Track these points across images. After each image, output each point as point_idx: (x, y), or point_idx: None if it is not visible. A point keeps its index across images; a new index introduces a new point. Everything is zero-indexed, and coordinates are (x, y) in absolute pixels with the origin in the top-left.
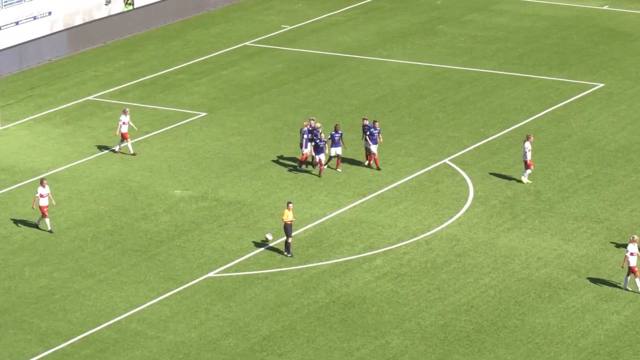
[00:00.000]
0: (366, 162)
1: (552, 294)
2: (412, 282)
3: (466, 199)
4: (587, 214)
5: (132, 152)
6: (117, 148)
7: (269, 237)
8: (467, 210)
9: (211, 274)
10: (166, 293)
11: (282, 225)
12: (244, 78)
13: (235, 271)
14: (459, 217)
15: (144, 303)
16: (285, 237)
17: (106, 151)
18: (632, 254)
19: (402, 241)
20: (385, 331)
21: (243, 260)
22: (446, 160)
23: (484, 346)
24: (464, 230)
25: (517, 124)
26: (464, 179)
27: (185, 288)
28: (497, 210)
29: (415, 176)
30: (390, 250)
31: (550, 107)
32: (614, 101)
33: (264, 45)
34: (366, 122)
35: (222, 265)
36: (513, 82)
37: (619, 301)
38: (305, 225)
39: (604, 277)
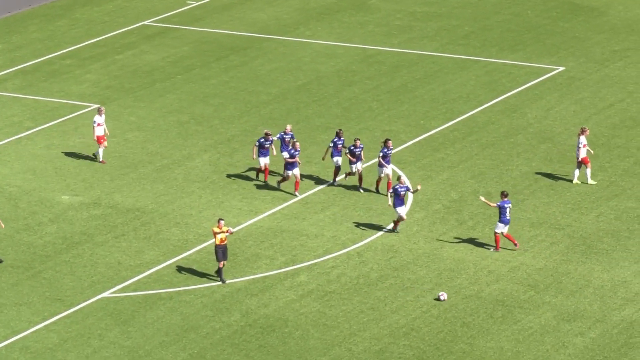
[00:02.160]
0: (373, 187)
1: (506, 313)
2: (342, 301)
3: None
4: (546, 220)
5: (100, 160)
6: (100, 157)
7: (443, 297)
8: (407, 216)
9: (106, 294)
10: (53, 317)
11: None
12: (142, 63)
13: (134, 290)
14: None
15: (27, 329)
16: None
17: None
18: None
19: (330, 253)
20: (311, 359)
21: (143, 278)
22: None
23: None
24: (403, 240)
25: (463, 114)
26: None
27: (76, 311)
28: (441, 216)
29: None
30: (316, 264)
31: (501, 94)
32: (576, 87)
33: (166, 25)
34: (341, 134)
35: (118, 284)
36: (458, 66)
37: (583, 321)
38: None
39: (566, 293)
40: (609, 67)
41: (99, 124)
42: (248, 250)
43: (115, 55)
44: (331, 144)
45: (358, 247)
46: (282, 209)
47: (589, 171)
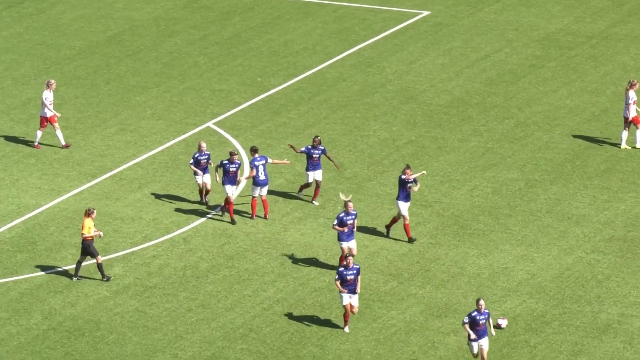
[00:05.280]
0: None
1: (364, 308)
2: (166, 297)
3: (238, 177)
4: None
5: (36, 143)
6: (63, 142)
7: (504, 324)
8: (241, 194)
9: None
10: None
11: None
12: None
13: None
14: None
15: None
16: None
17: None
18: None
19: (150, 240)
20: None
21: None
22: (210, 124)
23: None
24: (238, 223)
25: (309, 70)
26: (236, 150)
27: None
28: (283, 193)
29: (167, 147)
30: (133, 253)
31: (354, 45)
32: (444, 35)
33: None
34: (317, 142)
35: None
36: (302, 12)
37: (457, 317)
38: (11, 221)
39: (436, 283)
40: (483, 11)
41: (51, 102)
42: (50, 237)
43: None
44: (304, 150)
45: (184, 232)
46: (91, 187)
47: (638, 133)
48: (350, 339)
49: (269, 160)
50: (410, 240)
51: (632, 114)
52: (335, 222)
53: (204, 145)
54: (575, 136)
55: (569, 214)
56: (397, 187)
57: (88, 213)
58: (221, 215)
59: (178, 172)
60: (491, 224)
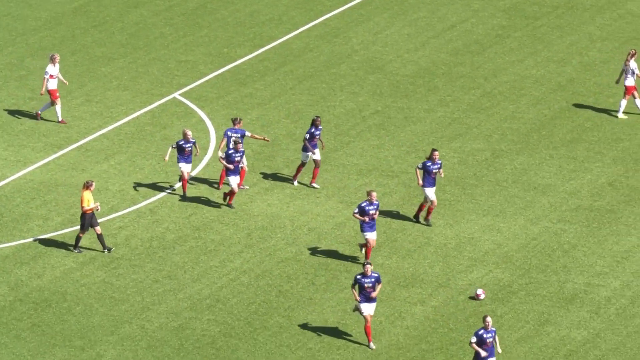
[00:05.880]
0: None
1: (330, 279)
2: (132, 268)
3: (206, 149)
4: (377, 166)
5: (59, 119)
6: (40, 110)
7: (482, 295)
8: (207, 165)
9: None
10: None
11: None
12: None
13: None
14: (198, 174)
15: None
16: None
17: None
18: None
19: (117, 211)
20: (96, 339)
21: None
22: (176, 95)
23: (235, 355)
24: (204, 193)
25: (275, 40)
26: (203, 121)
27: None
28: (250, 163)
29: (133, 118)
30: (100, 224)
31: (320, 16)
32: (410, 5)
33: None
34: (318, 122)
35: None
36: None
37: (423, 287)
38: None
39: (402, 253)
40: None
41: (51, 76)
42: (16, 209)
43: None
44: (307, 135)
45: (150, 203)
46: (57, 158)
47: (623, 102)
48: (317, 309)
49: (247, 134)
50: (427, 222)
51: (628, 82)
52: (356, 210)
53: (189, 132)
54: (541, 106)
55: (535, 184)
56: (364, 158)
57: (87, 185)
58: (229, 206)
59: (144, 143)
60: (457, 194)
